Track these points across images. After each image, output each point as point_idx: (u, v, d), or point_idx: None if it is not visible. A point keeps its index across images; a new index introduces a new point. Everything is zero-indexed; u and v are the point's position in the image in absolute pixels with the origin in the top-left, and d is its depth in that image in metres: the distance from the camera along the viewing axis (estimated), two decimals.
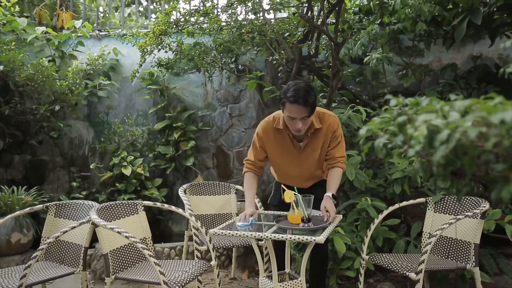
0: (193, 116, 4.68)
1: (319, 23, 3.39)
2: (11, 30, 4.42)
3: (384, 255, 2.74)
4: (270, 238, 2.28)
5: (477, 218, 2.56)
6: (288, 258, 2.80)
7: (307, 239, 2.14)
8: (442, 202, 2.84)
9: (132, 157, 4.35)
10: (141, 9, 9.91)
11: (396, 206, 2.88)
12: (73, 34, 4.71)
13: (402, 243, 3.08)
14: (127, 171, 4.15)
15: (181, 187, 3.32)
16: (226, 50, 4.31)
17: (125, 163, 4.23)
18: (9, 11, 4.17)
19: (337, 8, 3.02)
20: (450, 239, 2.71)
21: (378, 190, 3.24)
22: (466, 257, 2.59)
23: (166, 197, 4.48)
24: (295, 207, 2.28)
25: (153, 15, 9.03)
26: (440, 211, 2.83)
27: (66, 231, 2.41)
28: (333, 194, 2.34)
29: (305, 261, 2.49)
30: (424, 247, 2.58)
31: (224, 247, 3.07)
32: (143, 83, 4.71)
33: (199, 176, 4.55)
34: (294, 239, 2.14)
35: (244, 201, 3.90)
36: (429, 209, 2.87)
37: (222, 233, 2.28)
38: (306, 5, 3.65)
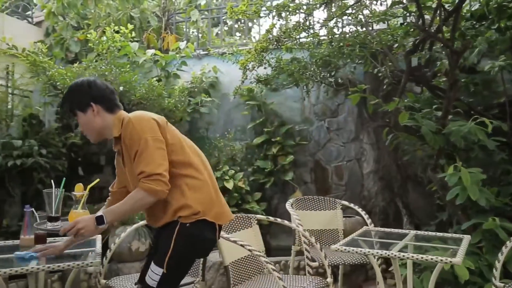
0: (290, 130, 4.70)
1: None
2: (124, 54, 4.83)
3: None
4: (397, 256, 2.17)
5: None
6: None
7: (441, 260, 2.01)
8: None
9: (233, 171, 4.47)
10: (225, 28, 10.36)
11: None
12: (177, 55, 5.01)
13: None
14: (229, 185, 4.26)
15: (288, 201, 3.34)
16: (325, 64, 4.29)
17: (227, 177, 4.36)
18: (126, 37, 4.56)
19: (454, 15, 2.86)
20: None
21: (505, 209, 2.97)
22: None
23: (265, 211, 4.52)
24: (80, 204, 1.98)
25: (238, 33, 9.38)
26: None
27: None
28: (101, 216, 1.73)
29: (432, 285, 2.32)
30: None
31: (334, 264, 3.00)
32: (241, 99, 4.85)
33: (297, 191, 4.54)
34: (423, 259, 2.01)
35: (349, 217, 3.84)
36: None
37: (345, 249, 2.23)
38: (414, 14, 3.52)
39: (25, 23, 5.34)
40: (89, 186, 2.03)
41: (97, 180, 2.10)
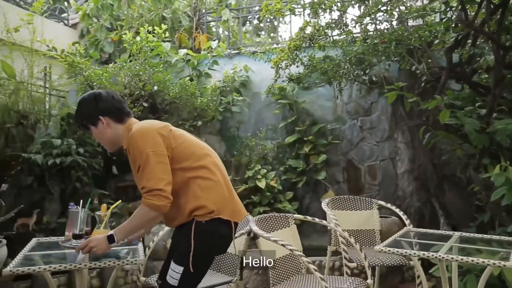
0: (322, 129, 4.64)
1: None
2: (156, 54, 4.88)
3: None
4: (444, 259, 2.10)
5: None
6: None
7: (494, 263, 1.93)
8: None
9: (265, 170, 4.45)
10: (250, 27, 10.36)
11: None
12: (209, 54, 5.03)
13: None
14: (262, 184, 4.25)
15: (323, 201, 3.29)
16: (359, 62, 4.22)
17: (259, 176, 4.35)
18: (159, 37, 4.61)
19: (500, 9, 2.75)
20: None
21: None
22: None
23: (297, 211, 4.48)
24: (103, 224, 2.08)
25: (263, 32, 9.38)
26: None
27: None
28: (112, 236, 1.80)
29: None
30: None
31: (372, 265, 2.93)
32: (272, 97, 4.82)
33: (329, 191, 4.48)
34: (473, 262, 1.94)
35: (385, 217, 3.76)
36: None
37: (388, 250, 2.18)
38: (454, 9, 3.41)
39: (62, 25, 5.48)
40: (111, 207, 2.17)
41: (119, 201, 2.24)
